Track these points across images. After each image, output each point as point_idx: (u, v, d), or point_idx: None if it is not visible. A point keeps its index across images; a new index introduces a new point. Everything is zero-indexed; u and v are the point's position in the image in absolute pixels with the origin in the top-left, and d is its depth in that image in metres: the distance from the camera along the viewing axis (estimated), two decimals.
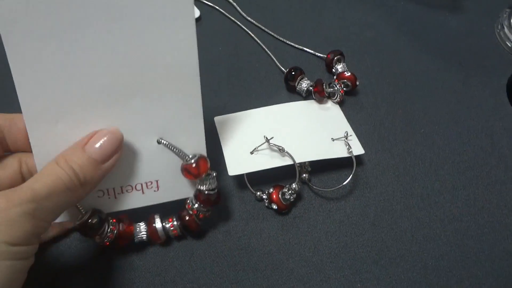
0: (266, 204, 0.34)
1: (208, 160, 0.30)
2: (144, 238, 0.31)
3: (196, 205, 0.31)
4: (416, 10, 0.49)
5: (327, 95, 0.39)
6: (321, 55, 0.43)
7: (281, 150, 0.34)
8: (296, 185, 0.34)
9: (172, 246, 0.33)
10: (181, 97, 0.28)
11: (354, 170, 0.34)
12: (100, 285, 0.31)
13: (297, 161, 0.33)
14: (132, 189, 0.30)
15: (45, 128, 0.27)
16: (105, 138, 0.27)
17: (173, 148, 0.29)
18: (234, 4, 0.48)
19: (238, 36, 0.46)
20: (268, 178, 0.35)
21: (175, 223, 0.31)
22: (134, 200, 0.30)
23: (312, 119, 0.38)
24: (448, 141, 0.39)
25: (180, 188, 0.31)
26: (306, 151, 0.35)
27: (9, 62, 0.25)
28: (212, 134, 0.37)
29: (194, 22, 0.26)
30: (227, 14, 0.48)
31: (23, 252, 0.22)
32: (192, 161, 0.29)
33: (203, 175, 0.30)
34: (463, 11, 0.49)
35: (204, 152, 0.30)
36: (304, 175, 0.35)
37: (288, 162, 0.34)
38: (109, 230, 0.30)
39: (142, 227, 0.31)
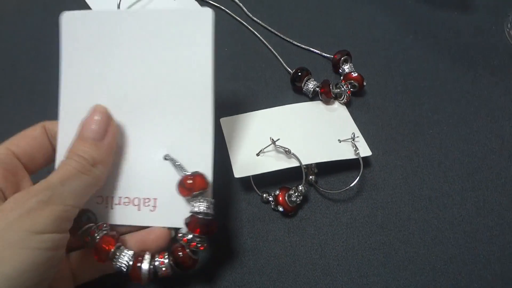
0: (272, 207, 0.34)
1: (208, 181, 0.28)
2: (123, 269, 0.28)
3: (190, 236, 0.28)
4: (424, 10, 0.48)
5: (333, 96, 0.38)
6: (328, 55, 0.43)
7: (287, 152, 0.33)
8: (303, 187, 0.33)
9: None
10: (193, 118, 0.29)
11: (361, 172, 0.34)
12: (106, 285, 0.31)
13: (304, 162, 0.33)
14: (130, 202, 0.30)
15: (74, 123, 0.29)
16: (95, 118, 0.28)
17: (178, 166, 0.29)
18: (240, 4, 0.48)
19: (244, 37, 0.46)
20: (274, 180, 0.35)
21: (166, 260, 0.28)
22: (129, 216, 0.30)
23: (318, 120, 0.38)
24: (457, 142, 0.38)
25: (176, 214, 0.29)
26: (312, 152, 0.34)
27: (61, 66, 0.30)
28: (218, 136, 0.37)
29: (211, 52, 0.29)
30: (233, 15, 0.47)
31: (48, 241, 0.22)
32: (189, 173, 0.28)
33: (198, 191, 0.28)
34: (472, 10, 0.48)
35: (209, 174, 0.29)
36: (310, 177, 0.35)
37: (295, 164, 0.33)
38: (91, 231, 0.28)
39: (126, 256, 0.28)
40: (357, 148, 0.35)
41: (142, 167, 0.30)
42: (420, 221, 0.34)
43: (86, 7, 0.47)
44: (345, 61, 0.41)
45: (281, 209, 0.33)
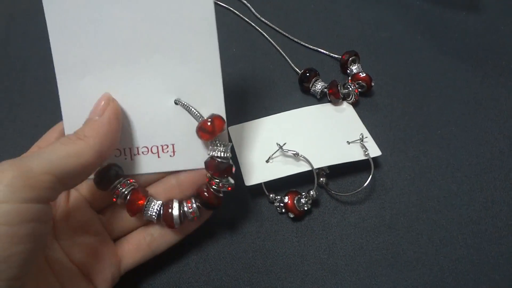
0: (279, 211, 0.34)
1: (224, 120, 0.29)
2: (154, 217, 0.29)
3: (217, 179, 0.29)
4: (433, 9, 0.48)
5: (342, 96, 0.38)
6: (336, 55, 0.43)
7: (296, 155, 0.33)
8: (314, 192, 0.33)
9: (187, 247, 0.33)
10: (199, 58, 0.29)
11: (372, 172, 0.34)
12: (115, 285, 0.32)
13: (314, 166, 0.33)
14: (148, 151, 0.30)
15: (73, 81, 0.29)
16: (96, 104, 0.28)
17: (191, 109, 0.29)
18: (248, 5, 0.48)
19: (252, 37, 0.46)
20: (282, 182, 0.35)
21: (194, 205, 0.29)
22: (150, 164, 0.30)
23: (326, 122, 0.38)
24: (465, 143, 0.38)
25: (195, 156, 0.30)
26: (322, 156, 0.34)
27: (46, 18, 0.28)
28: None
29: None
30: (241, 15, 0.48)
31: (3, 214, 0.20)
32: (207, 118, 0.28)
33: (218, 134, 0.28)
34: (481, 10, 0.48)
35: (223, 114, 0.29)
36: (321, 179, 0.35)
37: (305, 168, 0.34)
38: (122, 188, 0.29)
39: (156, 206, 0.29)
40: (367, 149, 0.35)
41: (155, 114, 0.29)
42: (428, 221, 0.34)
43: None
44: (353, 62, 0.41)
45: (291, 215, 0.33)
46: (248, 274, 0.32)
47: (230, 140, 0.35)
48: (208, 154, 0.29)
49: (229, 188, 0.29)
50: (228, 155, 0.29)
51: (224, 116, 0.29)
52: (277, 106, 0.40)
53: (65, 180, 0.23)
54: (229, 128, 0.37)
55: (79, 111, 0.28)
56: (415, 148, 0.38)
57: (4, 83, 0.43)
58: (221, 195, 0.29)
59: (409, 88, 0.42)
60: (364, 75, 0.39)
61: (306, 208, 0.33)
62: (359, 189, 0.34)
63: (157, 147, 0.30)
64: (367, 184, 0.34)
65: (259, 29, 0.46)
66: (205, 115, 0.29)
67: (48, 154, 0.23)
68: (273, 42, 0.45)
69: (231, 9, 0.48)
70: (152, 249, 0.30)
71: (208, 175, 0.29)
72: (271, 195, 0.34)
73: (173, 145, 0.30)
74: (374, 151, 0.35)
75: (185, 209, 0.29)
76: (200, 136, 0.28)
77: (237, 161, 0.35)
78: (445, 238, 0.33)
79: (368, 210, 0.35)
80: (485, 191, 0.36)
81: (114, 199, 0.29)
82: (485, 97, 0.41)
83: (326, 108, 0.39)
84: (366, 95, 0.41)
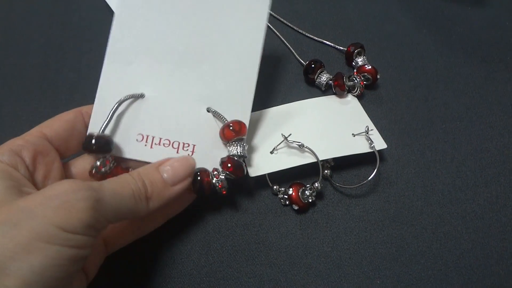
0: (283, 203, 0.34)
1: (247, 127, 0.31)
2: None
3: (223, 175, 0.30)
4: (438, 3, 0.48)
5: (347, 88, 0.38)
6: (341, 47, 0.43)
7: (300, 146, 0.33)
8: (319, 184, 0.33)
9: (189, 239, 0.33)
10: (239, 76, 0.32)
11: (377, 165, 0.34)
12: (115, 277, 0.31)
13: (319, 158, 0.33)
14: (169, 144, 0.31)
15: (119, 66, 0.31)
16: (178, 162, 0.28)
17: (221, 116, 0.31)
18: None
19: None
20: (286, 174, 0.34)
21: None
22: (167, 157, 0.30)
23: (331, 114, 0.37)
24: (470, 137, 0.38)
25: (212, 160, 0.31)
26: (327, 148, 0.34)
27: (116, 7, 0.31)
28: None
29: (266, 18, 0.32)
30: None
31: (76, 240, 0.22)
32: (233, 120, 0.31)
33: (241, 135, 0.31)
34: (486, 5, 0.48)
35: (247, 124, 0.32)
36: (326, 171, 0.35)
37: (309, 159, 0.33)
38: (106, 161, 0.29)
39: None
40: (372, 142, 0.34)
41: (186, 115, 0.32)
42: (432, 215, 0.34)
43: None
44: (359, 54, 0.41)
45: (296, 207, 0.33)
46: (251, 267, 0.32)
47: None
48: (227, 154, 0.31)
49: (224, 192, 0.30)
50: (245, 154, 0.31)
51: (247, 126, 0.32)
52: (281, 97, 0.40)
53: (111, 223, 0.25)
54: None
55: (113, 95, 0.30)
56: (419, 142, 0.38)
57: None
58: (220, 184, 0.30)
59: (414, 82, 0.41)
60: (370, 67, 0.39)
61: (310, 200, 0.33)
62: (364, 181, 0.34)
63: (179, 143, 0.31)
64: (372, 177, 0.34)
65: None
66: None
67: (120, 205, 0.24)
68: (277, 33, 0.44)
69: None
70: (136, 233, 0.31)
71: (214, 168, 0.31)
72: (274, 187, 0.34)
73: (194, 145, 0.32)
74: (380, 143, 0.35)
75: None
76: (224, 134, 0.31)
77: None
78: (449, 233, 0.33)
79: (373, 203, 0.34)
80: (489, 186, 0.35)
81: (91, 172, 0.29)
82: (490, 92, 0.41)
83: (331, 100, 0.38)
84: (371, 88, 0.40)
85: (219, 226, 0.33)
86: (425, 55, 0.43)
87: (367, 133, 0.35)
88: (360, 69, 0.40)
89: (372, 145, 0.34)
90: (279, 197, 0.34)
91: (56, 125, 0.29)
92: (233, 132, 0.30)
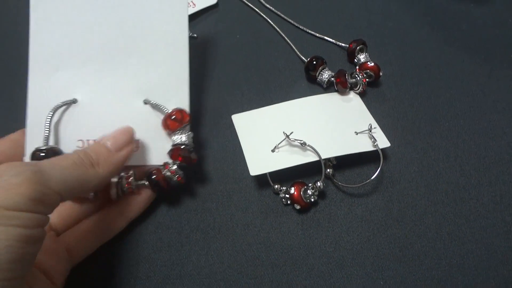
0: (284, 202, 0.33)
1: (189, 114, 0.32)
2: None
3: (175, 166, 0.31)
4: (440, 1, 0.47)
5: (349, 86, 0.37)
6: (343, 44, 0.42)
7: (303, 145, 0.32)
8: (322, 184, 0.32)
9: (188, 239, 0.32)
10: (170, 64, 0.32)
11: (381, 164, 0.33)
12: (115, 277, 0.31)
13: (322, 157, 0.32)
14: None
15: (46, 75, 0.31)
16: (118, 131, 0.30)
17: (160, 106, 0.31)
18: None
19: (257, 24, 0.45)
20: (288, 173, 0.34)
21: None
22: None
23: (333, 112, 0.37)
24: (473, 135, 0.37)
25: (158, 153, 0.32)
26: (330, 146, 0.33)
27: (31, 10, 0.30)
28: (231, 132, 0.36)
29: (186, 4, 0.32)
30: (245, 1, 0.46)
31: (23, 218, 0.21)
32: (174, 109, 0.31)
33: (184, 123, 0.31)
34: (488, 2, 0.47)
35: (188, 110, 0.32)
36: (328, 170, 0.34)
37: (311, 158, 0.33)
38: None
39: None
40: (375, 140, 0.34)
41: (123, 111, 0.32)
42: (436, 215, 0.33)
43: None
44: (361, 51, 0.40)
45: (297, 207, 0.32)
46: (252, 267, 0.31)
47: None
48: (172, 145, 0.31)
49: (179, 178, 0.31)
50: (191, 142, 0.32)
51: (188, 112, 0.32)
52: (282, 94, 0.39)
53: (66, 198, 0.25)
54: (233, 116, 0.37)
55: (45, 105, 0.30)
56: (423, 140, 0.37)
57: None
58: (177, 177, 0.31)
59: (417, 79, 0.41)
60: (373, 64, 0.38)
61: (312, 200, 0.32)
62: (368, 180, 0.33)
63: None
64: (375, 176, 0.33)
65: (264, 16, 0.45)
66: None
67: (63, 175, 0.24)
68: (278, 29, 0.44)
69: None
70: (99, 237, 0.31)
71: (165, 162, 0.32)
72: (276, 186, 0.33)
73: (137, 141, 0.32)
74: (383, 142, 0.34)
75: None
76: (168, 125, 0.31)
77: (242, 150, 0.34)
78: (453, 232, 0.33)
79: (376, 203, 0.34)
80: (493, 185, 0.35)
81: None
82: (493, 90, 0.40)
83: (333, 98, 0.38)
84: (373, 85, 0.40)
85: (219, 226, 0.33)
86: (427, 52, 0.43)
87: (370, 131, 0.34)
88: (363, 66, 0.39)
89: (375, 144, 0.34)
90: (280, 197, 0.33)
91: (3, 144, 0.30)
92: (176, 121, 0.31)
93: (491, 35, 0.44)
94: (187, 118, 0.31)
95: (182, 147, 0.31)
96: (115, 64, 0.32)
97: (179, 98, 0.32)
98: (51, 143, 0.31)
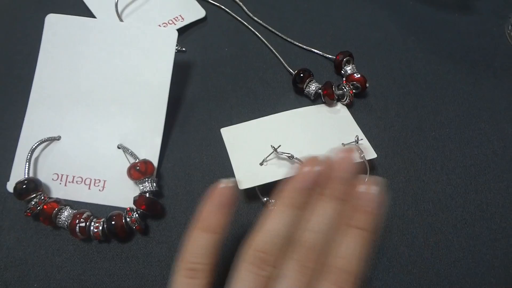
0: None
1: (155, 167, 0.34)
2: (66, 224, 0.32)
3: (135, 213, 0.32)
4: (425, 10, 0.48)
5: (336, 97, 0.38)
6: (330, 56, 0.43)
7: (290, 158, 0.33)
8: None
9: (174, 256, 0.32)
10: (148, 116, 0.36)
11: (367, 175, 0.34)
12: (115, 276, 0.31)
13: None
14: (82, 181, 0.34)
15: (39, 112, 0.36)
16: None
17: (130, 151, 0.34)
18: (241, 3, 0.47)
19: (245, 37, 0.45)
20: (276, 185, 0.34)
21: (101, 226, 0.31)
22: (80, 193, 0.34)
23: (321, 124, 0.37)
24: (459, 145, 0.38)
25: (122, 196, 0.34)
26: None
27: (39, 58, 0.36)
28: (219, 145, 0.37)
29: (172, 62, 0.36)
30: (233, 14, 0.47)
31: None
32: (140, 160, 0.33)
33: (149, 175, 0.33)
34: (473, 12, 0.48)
35: (155, 163, 0.35)
36: None
37: None
38: (36, 200, 0.32)
39: (66, 212, 0.32)
40: (362, 151, 0.34)
41: (98, 152, 0.35)
42: (423, 224, 0.34)
43: (85, 6, 0.46)
44: (348, 62, 0.41)
45: None
46: None
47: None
48: (139, 192, 0.33)
49: (137, 227, 0.32)
50: (156, 189, 0.33)
51: (156, 163, 0.35)
52: (270, 107, 0.39)
53: None
54: (221, 129, 0.37)
55: (35, 137, 0.35)
56: (409, 150, 0.37)
57: None
58: (129, 231, 0.32)
59: (403, 90, 0.41)
60: (359, 76, 0.39)
61: None
62: None
63: (91, 179, 0.34)
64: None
65: (252, 28, 0.45)
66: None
67: None
68: (266, 42, 0.44)
69: (223, 7, 0.47)
70: None
71: (130, 207, 0.33)
72: (265, 199, 0.34)
73: (105, 181, 0.34)
74: (370, 153, 0.34)
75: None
76: (131, 175, 0.33)
77: (230, 163, 0.34)
78: (440, 241, 0.33)
79: None
80: (479, 193, 0.35)
81: (28, 213, 0.32)
82: (478, 99, 0.41)
83: (320, 110, 0.38)
84: (360, 96, 0.40)
85: None
86: (413, 62, 0.43)
87: (357, 142, 0.35)
88: (349, 77, 0.39)
89: (362, 155, 0.34)
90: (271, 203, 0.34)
91: None
92: (139, 173, 0.33)
93: (476, 45, 0.45)
94: (152, 169, 0.33)
95: (147, 195, 0.32)
96: (98, 110, 0.36)
97: (150, 148, 0.35)
98: (31, 174, 0.34)
